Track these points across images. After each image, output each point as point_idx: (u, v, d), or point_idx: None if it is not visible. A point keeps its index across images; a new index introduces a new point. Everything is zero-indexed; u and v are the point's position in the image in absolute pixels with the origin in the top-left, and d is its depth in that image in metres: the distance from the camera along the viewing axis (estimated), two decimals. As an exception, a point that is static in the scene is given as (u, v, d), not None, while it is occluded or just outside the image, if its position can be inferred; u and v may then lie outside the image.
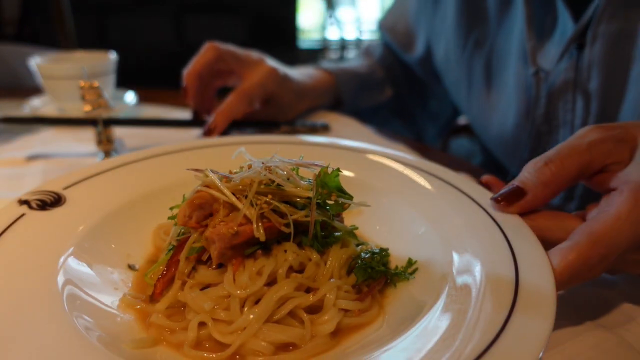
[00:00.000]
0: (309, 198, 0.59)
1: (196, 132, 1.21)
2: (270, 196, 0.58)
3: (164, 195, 0.71)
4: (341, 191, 0.62)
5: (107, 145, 1.11)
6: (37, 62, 1.32)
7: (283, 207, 0.57)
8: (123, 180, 0.75)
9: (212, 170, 0.60)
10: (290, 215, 0.57)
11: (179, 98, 1.57)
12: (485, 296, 0.51)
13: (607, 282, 0.66)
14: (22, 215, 0.63)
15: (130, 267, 0.66)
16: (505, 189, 0.63)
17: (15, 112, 1.42)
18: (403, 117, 1.52)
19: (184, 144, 0.85)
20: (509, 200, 0.62)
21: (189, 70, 1.11)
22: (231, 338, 0.51)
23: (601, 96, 0.91)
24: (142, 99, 1.50)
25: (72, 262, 0.59)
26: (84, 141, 1.19)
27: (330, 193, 0.61)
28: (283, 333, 0.52)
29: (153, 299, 0.58)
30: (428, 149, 0.88)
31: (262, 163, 0.60)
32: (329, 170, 0.61)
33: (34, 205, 0.65)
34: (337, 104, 1.38)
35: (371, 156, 0.84)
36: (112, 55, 1.38)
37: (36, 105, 1.40)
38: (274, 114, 1.19)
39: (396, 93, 1.47)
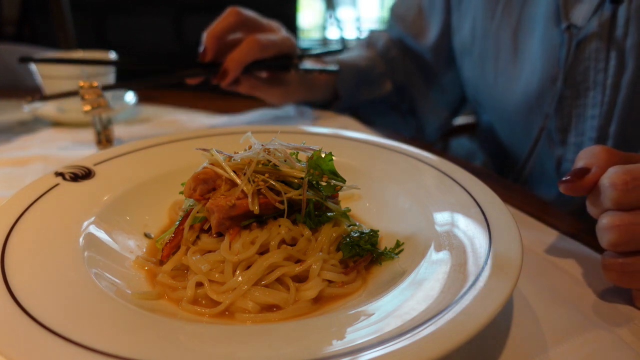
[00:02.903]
0: (303, 178, 0.65)
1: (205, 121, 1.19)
2: (267, 175, 0.65)
3: (182, 175, 0.77)
4: (334, 174, 0.68)
5: (106, 145, 1.11)
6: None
7: (278, 186, 0.64)
8: (147, 160, 0.84)
9: (217, 150, 0.68)
10: (285, 193, 0.64)
11: (179, 98, 1.57)
12: (459, 266, 0.56)
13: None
14: (56, 185, 0.72)
15: (146, 235, 0.74)
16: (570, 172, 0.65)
17: (15, 112, 1.42)
18: (401, 112, 1.52)
19: (203, 131, 0.95)
20: (578, 177, 0.63)
21: (210, 32, 1.13)
22: (223, 297, 0.58)
23: (638, 54, 0.89)
24: (142, 99, 1.51)
25: (94, 227, 0.67)
26: (83, 141, 1.19)
27: (322, 174, 0.66)
28: (269, 296, 0.58)
29: (161, 262, 0.66)
30: (429, 149, 0.88)
31: (262, 145, 0.67)
32: (323, 154, 0.66)
33: (67, 177, 0.74)
34: (334, 99, 1.39)
35: (373, 147, 0.90)
36: (112, 55, 1.38)
37: (36, 105, 1.40)
38: (272, 95, 1.22)
39: (396, 86, 1.47)
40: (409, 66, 1.47)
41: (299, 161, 0.69)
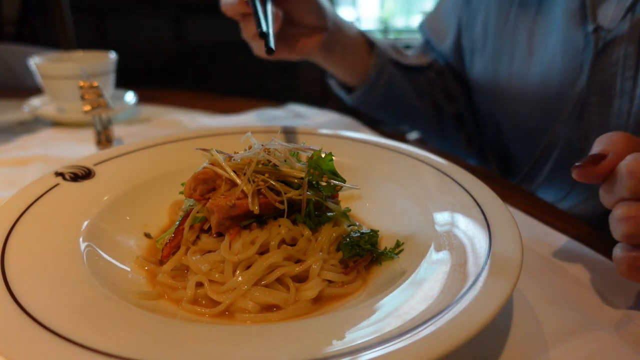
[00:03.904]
0: (303, 179, 0.65)
1: (205, 121, 1.18)
2: (267, 175, 0.64)
3: (182, 175, 0.77)
4: (334, 174, 0.68)
5: (106, 145, 1.11)
6: (37, 62, 1.33)
7: (278, 186, 0.64)
8: (147, 160, 0.84)
9: (217, 150, 0.68)
10: (285, 193, 0.64)
11: (179, 98, 1.57)
12: (459, 266, 0.56)
13: (606, 282, 0.66)
14: (56, 185, 0.72)
15: (146, 235, 0.74)
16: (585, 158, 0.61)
17: (15, 112, 1.42)
18: (449, 121, 1.43)
19: (203, 131, 0.94)
20: (593, 163, 0.60)
21: None
22: (223, 297, 0.58)
23: None
24: (142, 99, 1.51)
25: (95, 227, 0.67)
26: (83, 141, 1.19)
27: (322, 174, 0.66)
28: (269, 296, 0.58)
29: (161, 262, 0.65)
30: (429, 149, 0.88)
31: (262, 145, 0.67)
32: (323, 154, 0.66)
33: (67, 177, 0.74)
34: (370, 47, 1.31)
35: (373, 147, 0.90)
36: (112, 55, 1.38)
37: (35, 105, 1.40)
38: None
39: (445, 95, 1.41)
40: (451, 81, 1.42)
41: (299, 161, 0.69)
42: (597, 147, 0.61)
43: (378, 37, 1.41)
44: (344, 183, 0.69)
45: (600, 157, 0.59)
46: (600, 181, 0.60)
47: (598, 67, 0.92)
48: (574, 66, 0.97)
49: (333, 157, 0.67)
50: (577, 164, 0.61)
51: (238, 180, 0.64)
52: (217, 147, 0.70)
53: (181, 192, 0.69)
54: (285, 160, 0.67)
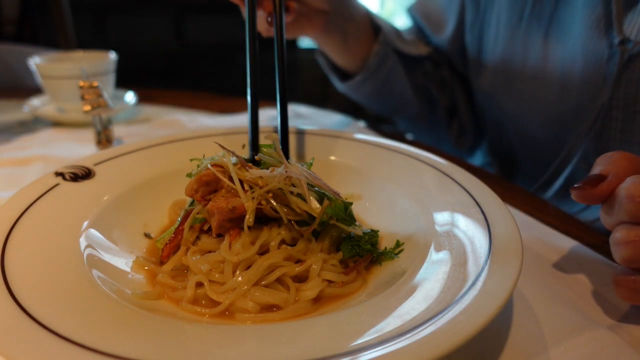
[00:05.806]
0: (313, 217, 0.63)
1: (205, 121, 1.18)
2: (270, 195, 0.63)
3: (182, 175, 0.76)
4: (349, 217, 0.66)
5: (106, 145, 1.11)
6: (37, 62, 1.33)
7: (280, 211, 0.62)
8: (148, 160, 0.84)
9: (235, 155, 0.67)
10: (287, 216, 0.62)
11: (179, 98, 1.57)
12: (459, 266, 0.56)
13: (606, 282, 0.66)
14: (56, 185, 0.72)
15: (146, 235, 0.74)
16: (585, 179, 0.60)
17: (15, 112, 1.42)
18: (442, 111, 1.39)
19: (203, 131, 0.93)
20: (592, 184, 0.59)
21: None
22: (223, 297, 0.58)
23: None
24: (142, 99, 1.51)
25: (95, 227, 0.67)
26: (83, 141, 1.19)
27: (331, 218, 0.64)
28: (269, 296, 0.58)
29: (161, 262, 0.66)
30: (429, 149, 0.88)
31: (286, 171, 0.63)
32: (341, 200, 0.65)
33: (67, 177, 0.74)
34: (375, 33, 1.25)
35: (373, 147, 0.89)
36: (112, 55, 1.38)
37: (35, 105, 1.40)
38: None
39: (439, 81, 1.37)
40: (447, 71, 1.37)
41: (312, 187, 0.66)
42: (597, 167, 0.61)
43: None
44: (355, 224, 0.67)
45: (600, 178, 0.58)
46: (600, 203, 0.60)
47: (623, 80, 0.88)
48: (596, 78, 0.92)
49: (352, 203, 0.65)
50: (575, 185, 0.60)
51: (243, 195, 0.62)
52: (216, 148, 0.70)
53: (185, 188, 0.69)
54: (298, 194, 0.64)
